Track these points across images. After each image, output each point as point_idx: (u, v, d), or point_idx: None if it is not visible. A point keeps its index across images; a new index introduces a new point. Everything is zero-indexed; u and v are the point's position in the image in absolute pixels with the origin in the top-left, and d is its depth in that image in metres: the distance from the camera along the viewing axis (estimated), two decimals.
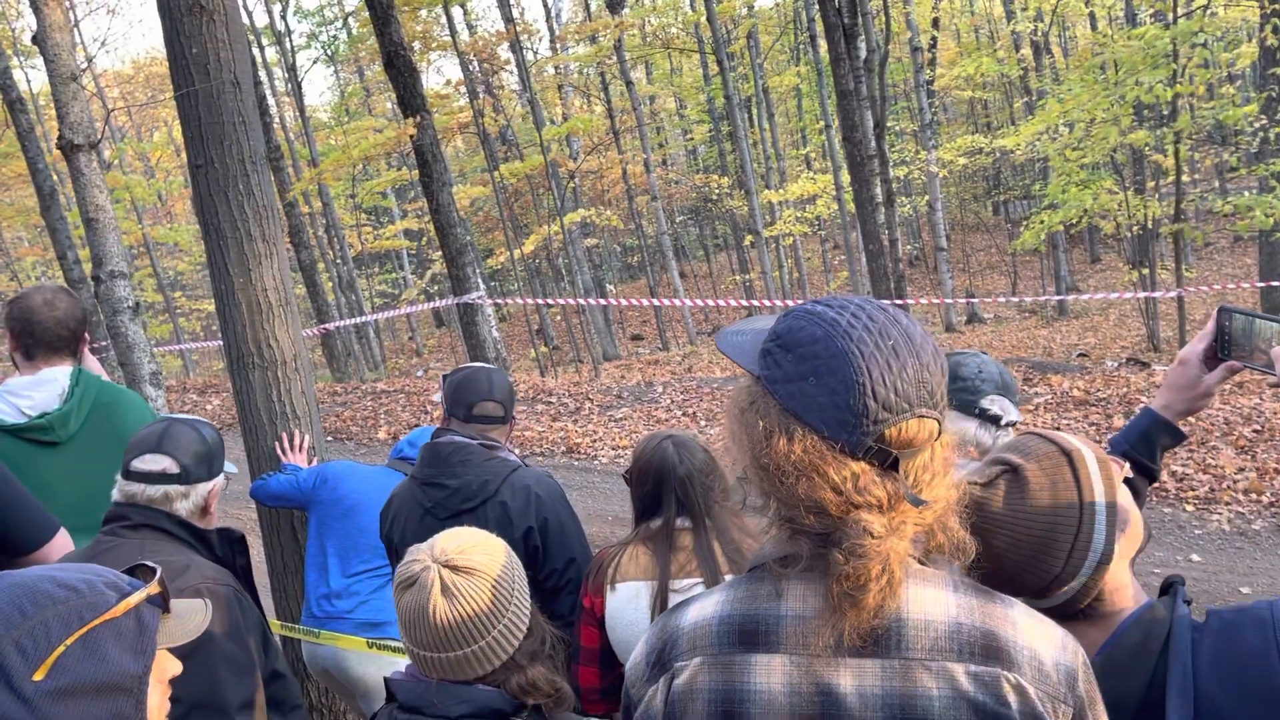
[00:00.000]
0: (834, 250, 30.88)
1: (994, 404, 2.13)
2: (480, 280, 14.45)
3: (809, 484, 1.12)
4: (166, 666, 1.19)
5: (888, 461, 1.11)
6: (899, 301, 12.66)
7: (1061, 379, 9.57)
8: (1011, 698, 1.07)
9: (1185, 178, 12.91)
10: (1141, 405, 8.24)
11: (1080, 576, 1.38)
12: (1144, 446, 1.81)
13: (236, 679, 2.06)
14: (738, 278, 28.72)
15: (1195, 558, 5.79)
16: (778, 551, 1.19)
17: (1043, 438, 1.48)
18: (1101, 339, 16.91)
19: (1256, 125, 12.56)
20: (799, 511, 1.13)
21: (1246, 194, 12.84)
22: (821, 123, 23.83)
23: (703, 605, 1.23)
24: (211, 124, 3.70)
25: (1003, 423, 2.13)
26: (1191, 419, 6.74)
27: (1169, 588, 1.43)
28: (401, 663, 3.24)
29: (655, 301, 16.28)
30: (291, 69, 26.77)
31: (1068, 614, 1.40)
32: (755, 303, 21.79)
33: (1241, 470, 6.93)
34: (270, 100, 24.64)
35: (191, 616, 1.30)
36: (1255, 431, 7.41)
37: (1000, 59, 25.39)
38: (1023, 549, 1.38)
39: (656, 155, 27.86)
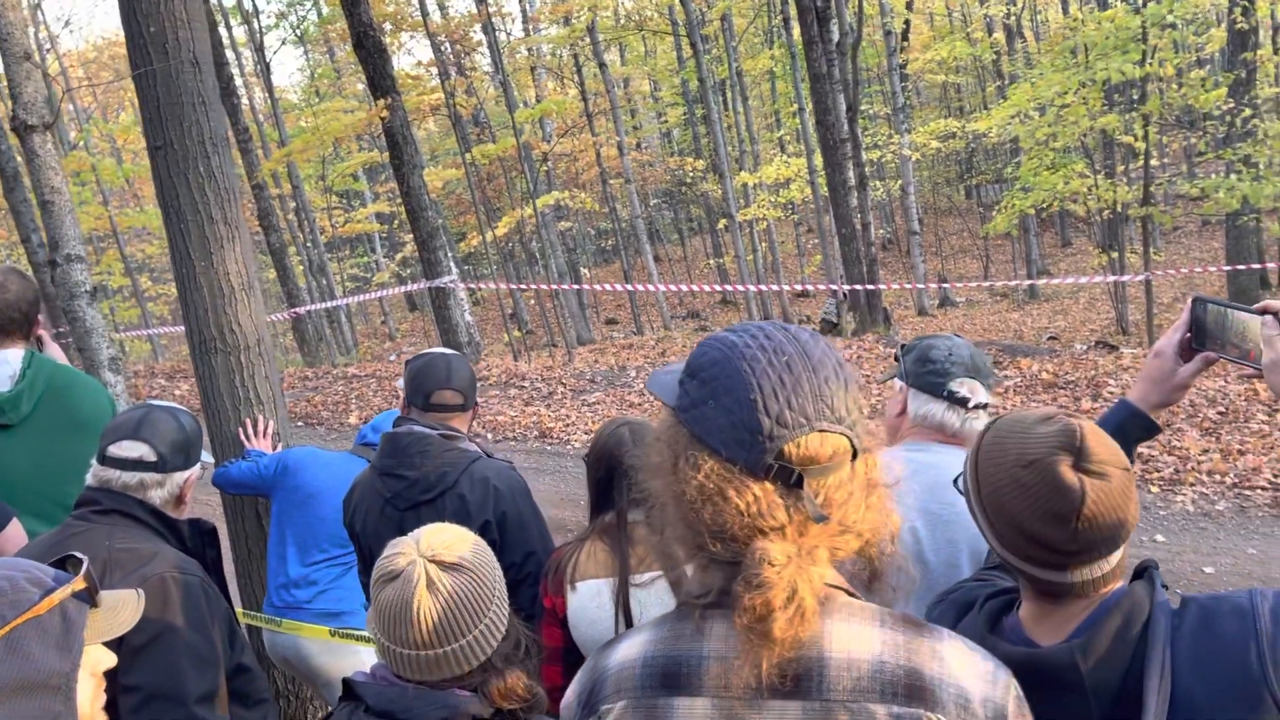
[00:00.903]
0: (808, 234, 30.95)
1: (962, 386, 2.12)
2: (453, 264, 14.38)
3: (714, 509, 1.10)
4: (99, 660, 1.16)
5: (791, 480, 1.09)
6: (871, 285, 12.71)
7: (1031, 362, 9.65)
8: None
9: (1154, 161, 13.01)
10: (1117, 397, 8.33)
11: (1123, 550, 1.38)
12: (1119, 438, 1.80)
13: (198, 670, 2.03)
14: (712, 262, 28.72)
15: (1160, 538, 5.86)
16: (696, 586, 1.16)
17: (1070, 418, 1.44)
18: (1071, 322, 17.04)
19: (1224, 109, 12.67)
20: (706, 539, 1.12)
21: (1214, 177, 12.96)
22: (795, 106, 23.84)
23: (630, 644, 1.21)
24: (170, 104, 3.63)
25: (971, 405, 2.12)
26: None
27: (1144, 572, 1.43)
28: (364, 651, 3.21)
29: (629, 286, 16.25)
30: (260, 49, 26.41)
31: (1070, 593, 1.38)
32: (730, 287, 21.80)
33: (1206, 452, 7.02)
34: (239, 81, 24.32)
35: (122, 609, 1.26)
36: (1220, 414, 7.50)
37: (974, 42, 25.47)
38: (1119, 519, 1.35)
39: (630, 138, 27.75)
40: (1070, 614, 1.37)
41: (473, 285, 21.24)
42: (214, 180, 3.70)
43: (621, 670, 1.19)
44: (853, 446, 1.13)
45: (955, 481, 1.53)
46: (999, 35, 25.91)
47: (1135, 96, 12.77)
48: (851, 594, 1.15)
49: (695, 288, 16.01)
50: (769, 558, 1.06)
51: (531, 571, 2.54)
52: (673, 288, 15.18)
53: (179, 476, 2.30)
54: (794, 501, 1.09)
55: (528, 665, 1.74)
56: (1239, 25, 12.97)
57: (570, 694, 1.27)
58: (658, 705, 1.13)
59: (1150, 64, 12.33)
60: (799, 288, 25.66)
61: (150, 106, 3.67)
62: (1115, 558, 1.37)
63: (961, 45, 23.09)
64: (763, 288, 20.79)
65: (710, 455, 1.12)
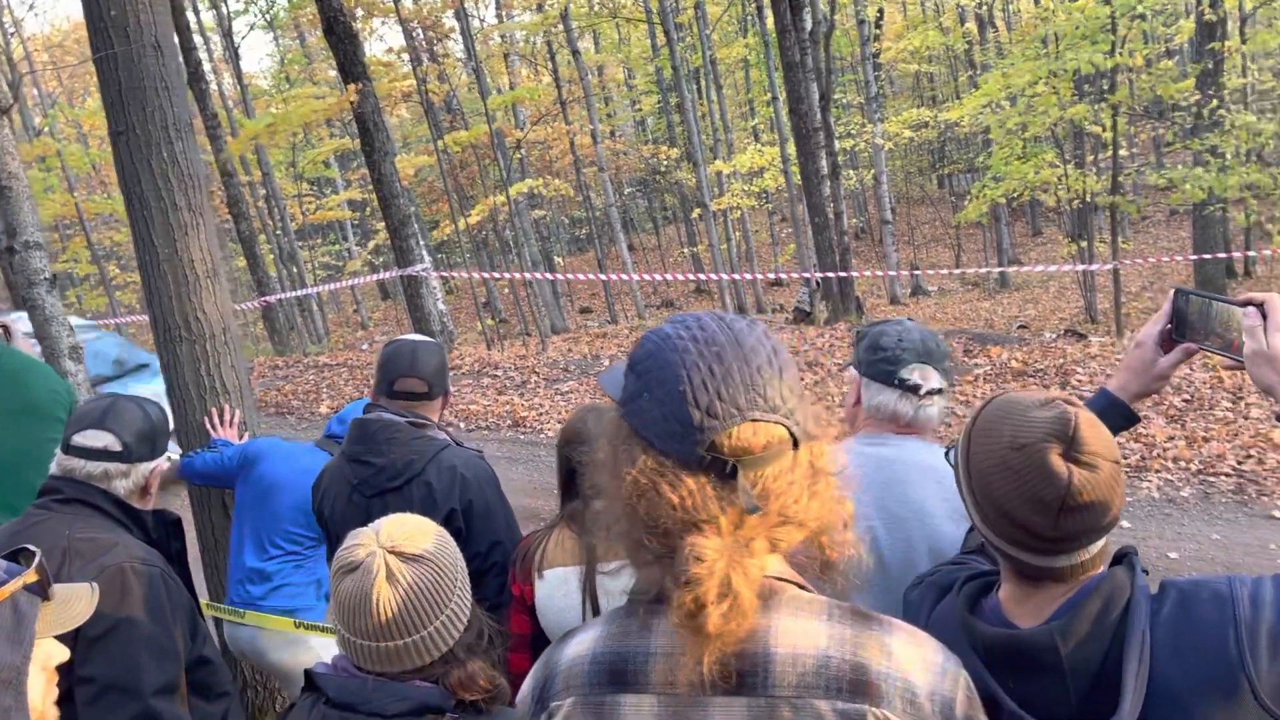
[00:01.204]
0: (781, 223, 31.00)
1: (914, 373, 2.06)
2: (425, 252, 14.28)
3: (649, 504, 1.10)
4: (50, 653, 1.14)
5: (725, 471, 1.08)
6: (844, 274, 12.75)
7: (1001, 350, 9.72)
8: None
9: (1123, 152, 13.13)
10: (1085, 384, 8.41)
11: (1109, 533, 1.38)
12: None
13: (156, 662, 2.00)
14: (686, 250, 28.71)
15: (1125, 524, 5.92)
16: (640, 583, 1.16)
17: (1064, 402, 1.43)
18: (1041, 311, 17.19)
19: (1192, 100, 12.80)
20: (643, 535, 1.11)
21: (1180, 167, 13.10)
22: (769, 95, 23.83)
23: (581, 640, 1.21)
24: (132, 89, 3.58)
25: (923, 391, 2.07)
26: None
27: (1124, 557, 1.43)
28: (320, 645, 3.19)
29: (603, 276, 16.22)
30: (228, 34, 26.06)
31: (1053, 576, 1.39)
32: (703, 275, 21.80)
33: (1171, 439, 7.11)
34: (207, 67, 23.98)
35: (75, 603, 1.24)
36: (1185, 401, 7.60)
37: (946, 31, 25.55)
38: (1115, 503, 1.35)
39: (605, 126, 27.68)
40: (1050, 597, 1.38)
41: (446, 274, 21.11)
42: (177, 166, 3.65)
43: (572, 666, 1.18)
44: (792, 435, 1.12)
45: (947, 454, 1.53)
46: (971, 25, 26.03)
47: (1105, 87, 12.86)
48: (802, 586, 1.14)
49: (669, 276, 15.99)
50: (698, 553, 1.05)
51: (498, 561, 2.53)
52: (647, 277, 15.16)
53: (144, 467, 2.27)
54: (729, 494, 1.08)
55: (491, 656, 1.73)
56: (1207, 16, 13.09)
57: (525, 687, 1.27)
58: (605, 702, 1.13)
59: (1120, 54, 12.43)
60: (773, 276, 25.73)
61: (111, 91, 3.61)
62: (1098, 545, 1.37)
63: (934, 35, 23.15)
64: (737, 276, 20.82)
65: (646, 449, 1.11)
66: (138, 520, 2.26)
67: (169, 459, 2.41)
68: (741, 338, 1.13)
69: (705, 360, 1.10)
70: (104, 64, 3.60)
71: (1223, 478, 6.60)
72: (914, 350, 2.09)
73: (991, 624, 1.41)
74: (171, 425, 2.63)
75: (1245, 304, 1.61)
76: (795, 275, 19.09)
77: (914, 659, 1.09)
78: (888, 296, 21.76)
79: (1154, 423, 7.28)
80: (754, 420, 1.09)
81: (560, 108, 25.13)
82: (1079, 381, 8.49)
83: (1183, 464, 6.78)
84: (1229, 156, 12.05)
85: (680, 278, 20.87)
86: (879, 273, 19.84)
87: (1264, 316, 1.58)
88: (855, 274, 13.57)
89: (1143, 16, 13.26)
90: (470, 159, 25.09)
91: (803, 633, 1.08)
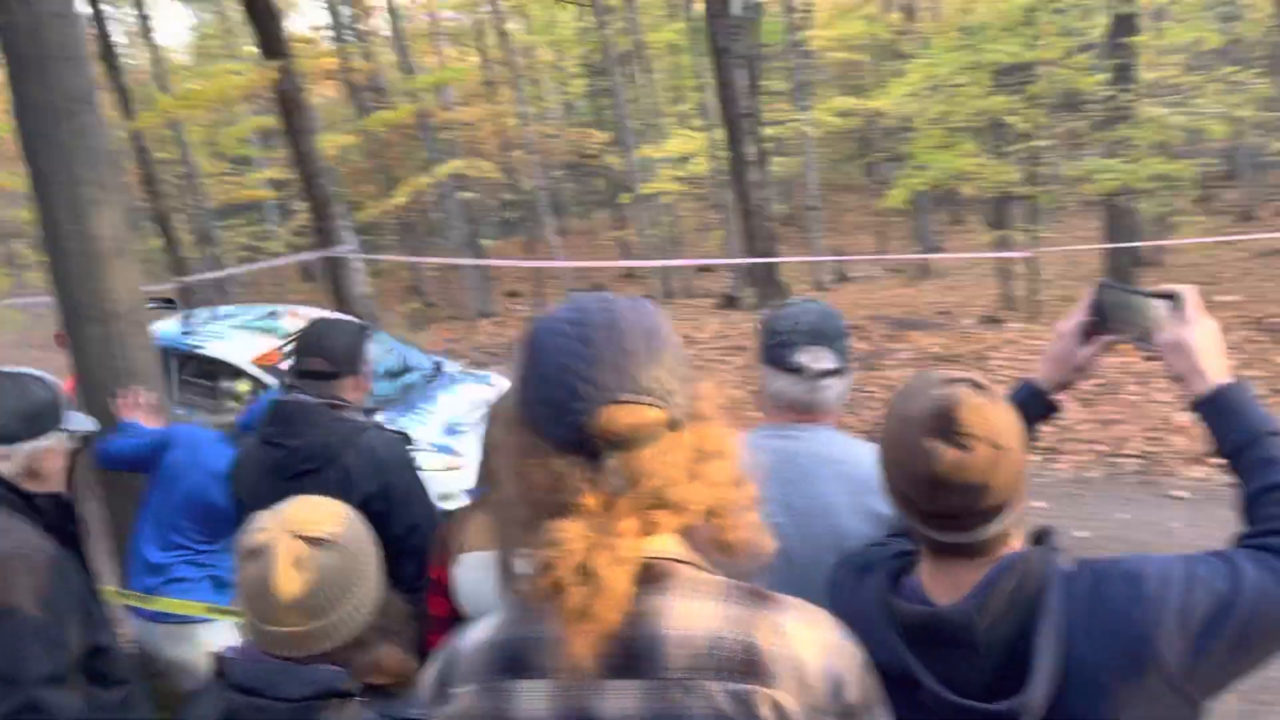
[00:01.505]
0: (710, 209, 31.08)
1: (804, 354, 2.00)
2: (349, 233, 14.01)
3: (525, 487, 1.11)
4: None
5: (594, 454, 1.08)
6: (770, 260, 12.86)
7: (921, 336, 9.93)
8: (768, 714, 1.03)
9: (1041, 143, 13.44)
10: (1002, 369, 8.63)
11: (1017, 510, 1.41)
12: (1020, 416, 1.85)
13: (44, 651, 1.94)
14: (615, 235, 28.62)
15: (1040, 504, 6.10)
16: (529, 567, 1.16)
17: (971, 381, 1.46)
18: (961, 298, 17.55)
19: (1106, 93, 13.16)
20: (524, 518, 1.11)
21: (1093, 159, 13.47)
22: (698, 80, 23.85)
23: (483, 627, 1.21)
24: (33, 59, 3.44)
25: (811, 373, 2.01)
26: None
27: (1043, 536, 1.47)
28: (217, 638, 3.12)
29: (531, 262, 16.11)
30: (139, 4, 25.15)
31: (967, 552, 1.42)
32: (632, 262, 21.80)
33: (1083, 422, 7.35)
34: (120, 39, 23.13)
35: None
36: (1098, 386, 7.86)
37: (873, 19, 25.85)
38: (1010, 481, 1.38)
39: (534, 109, 27.42)
40: (967, 575, 1.41)
41: (370, 255, 20.75)
42: (82, 139, 3.52)
43: (472, 654, 1.18)
44: (670, 417, 1.11)
45: None
46: (896, 15, 26.36)
47: (1023, 79, 13.15)
48: (700, 567, 1.14)
49: (598, 264, 15.94)
50: (554, 536, 1.05)
51: (416, 544, 2.50)
52: (574, 264, 15.10)
53: (27, 447, 2.19)
54: (598, 476, 1.08)
55: (403, 640, 1.71)
56: (1120, 10, 13.46)
57: (429, 672, 1.26)
58: (502, 689, 1.12)
59: (1038, 48, 12.72)
60: (700, 262, 25.82)
61: (11, 61, 3.47)
62: (997, 524, 1.40)
63: (859, 24, 23.41)
64: (665, 262, 20.85)
65: (524, 432, 1.12)
66: (30, 502, 2.18)
67: (72, 435, 2.32)
68: (617, 319, 1.13)
69: (575, 342, 1.10)
70: (4, 33, 3.45)
71: (1129, 459, 6.85)
72: (806, 332, 2.03)
73: (911, 602, 1.44)
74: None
75: (1160, 296, 1.67)
76: (723, 261, 19.21)
77: (807, 639, 1.09)
78: (813, 283, 21.99)
79: (1068, 406, 7.52)
80: (623, 402, 1.08)
81: (489, 89, 24.82)
82: (997, 366, 8.72)
83: (1092, 446, 7.02)
84: (1140, 148, 12.44)
85: (608, 263, 20.83)
86: (805, 259, 20.05)
87: (1178, 308, 1.65)
88: (782, 260, 13.70)
89: (1061, 11, 13.59)
90: (396, 139, 24.66)
91: (696, 614, 1.08)
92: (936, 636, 1.39)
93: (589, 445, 1.08)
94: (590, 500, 1.07)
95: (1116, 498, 6.36)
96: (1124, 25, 13.68)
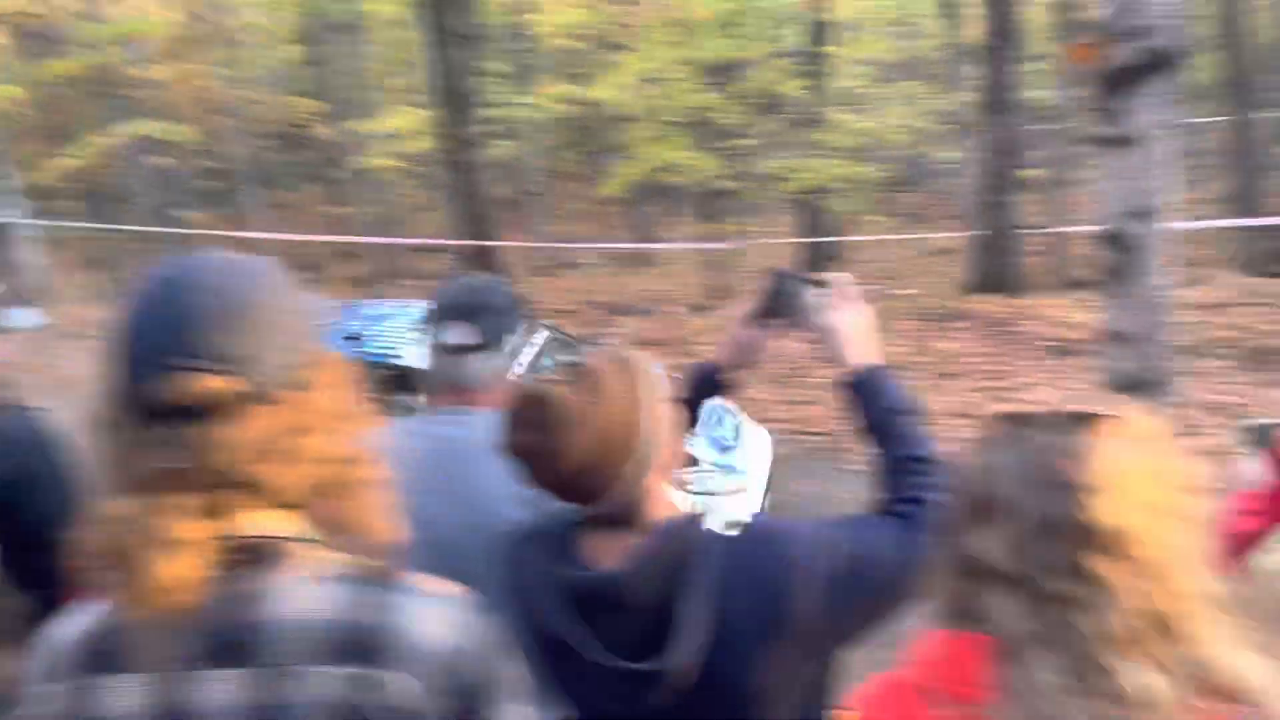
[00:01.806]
0: (429, 189, 30.45)
1: (448, 331, 1.92)
2: (18, 196, 12.49)
3: (98, 459, 1.04)
4: None
5: (158, 425, 1.00)
6: (488, 243, 12.80)
7: (633, 321, 10.29)
8: (386, 696, 1.00)
9: (747, 141, 14.30)
10: (708, 354, 9.13)
11: (640, 478, 1.42)
12: (696, 394, 1.91)
13: None
14: (329, 210, 27.33)
15: None
16: None
17: (609, 351, 1.50)
18: (673, 286, 18.33)
19: (801, 98, 14.22)
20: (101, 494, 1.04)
21: (789, 159, 14.48)
22: (420, 56, 23.24)
23: (71, 620, 1.10)
24: None
25: (451, 349, 1.93)
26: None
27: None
28: None
29: (233, 233, 15.06)
30: None
31: (617, 520, 1.44)
32: (348, 238, 20.94)
33: (776, 402, 7.92)
34: None
35: None
36: (790, 369, 8.49)
37: (593, 8, 26.28)
38: (597, 449, 1.38)
39: (240, 73, 25.62)
40: (624, 542, 1.43)
41: (43, 221, 18.57)
42: None
43: (57, 647, 1.07)
44: (250, 390, 1.02)
45: None
46: (615, 8, 26.97)
47: (731, 78, 13.91)
48: (322, 548, 1.08)
49: (311, 238, 15.17)
50: (100, 515, 0.99)
51: (52, 537, 2.25)
52: (284, 237, 14.28)
53: None
54: (162, 450, 1.00)
55: (15, 642, 1.53)
56: (816, 18, 14.64)
57: (27, 668, 1.13)
58: (86, 685, 1.02)
59: (745, 49, 13.52)
60: (418, 241, 25.24)
61: None
62: (621, 494, 1.41)
63: (576, 13, 23.78)
64: (381, 240, 20.22)
65: (104, 398, 1.05)
66: None
67: None
68: (190, 281, 1.05)
69: (141, 304, 1.04)
70: None
71: (817, 436, 7.45)
72: (449, 307, 1.96)
73: (575, 569, 1.46)
74: None
75: (822, 284, 1.82)
76: (441, 242, 18.92)
77: (428, 618, 1.05)
78: (533, 268, 22.14)
79: (762, 387, 8.06)
80: (185, 369, 1.00)
81: (187, 46, 22.88)
82: (702, 351, 9.18)
83: (785, 424, 7.57)
84: (830, 151, 13.55)
85: (322, 239, 19.90)
86: (525, 244, 20.13)
87: (832, 295, 1.80)
88: (501, 244, 13.68)
89: (770, 16, 14.52)
90: (75, 95, 22.18)
91: (310, 596, 1.02)
92: (594, 602, 1.42)
93: (156, 415, 1.00)
94: (152, 477, 0.99)
95: (807, 472, 6.89)
96: (820, 34, 14.83)
